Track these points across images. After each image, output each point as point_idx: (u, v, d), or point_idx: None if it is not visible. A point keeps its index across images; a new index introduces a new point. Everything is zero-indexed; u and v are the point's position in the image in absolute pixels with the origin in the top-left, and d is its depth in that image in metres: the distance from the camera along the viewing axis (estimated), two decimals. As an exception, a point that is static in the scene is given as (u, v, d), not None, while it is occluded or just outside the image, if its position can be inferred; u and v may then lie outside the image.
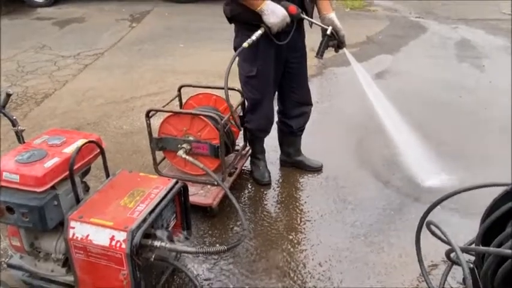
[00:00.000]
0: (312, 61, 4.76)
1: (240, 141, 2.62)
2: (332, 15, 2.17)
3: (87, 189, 1.77)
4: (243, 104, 2.46)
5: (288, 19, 2.04)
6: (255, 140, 2.56)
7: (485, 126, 3.26)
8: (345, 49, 2.23)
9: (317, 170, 2.70)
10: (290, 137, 2.64)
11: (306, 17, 2.14)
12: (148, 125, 2.23)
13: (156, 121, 2.42)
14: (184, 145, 2.19)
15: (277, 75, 2.35)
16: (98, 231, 1.45)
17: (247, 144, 2.63)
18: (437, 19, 6.90)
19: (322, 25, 2.17)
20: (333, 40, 2.15)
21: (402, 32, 6.12)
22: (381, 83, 4.27)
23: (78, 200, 1.58)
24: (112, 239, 1.43)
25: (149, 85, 4.13)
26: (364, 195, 2.46)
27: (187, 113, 2.21)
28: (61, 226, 1.58)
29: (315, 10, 2.26)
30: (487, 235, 1.58)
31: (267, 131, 2.53)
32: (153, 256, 1.54)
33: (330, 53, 4.79)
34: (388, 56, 5.11)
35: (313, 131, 2.89)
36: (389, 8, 7.81)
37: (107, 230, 1.44)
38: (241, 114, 2.47)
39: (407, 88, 4.04)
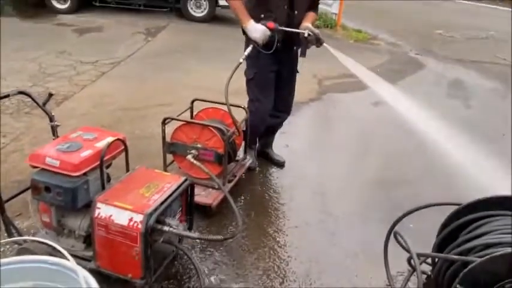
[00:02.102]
0: (313, 86, 5.17)
1: (240, 153, 2.94)
2: (307, 24, 2.62)
3: (108, 179, 2.08)
4: (246, 120, 2.79)
5: (268, 32, 2.54)
6: (251, 134, 2.94)
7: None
8: (325, 44, 2.62)
9: (280, 165, 3.23)
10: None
11: (283, 28, 2.58)
12: (163, 131, 2.55)
13: (166, 129, 2.74)
14: (193, 151, 2.51)
15: (271, 80, 2.85)
16: (119, 212, 1.75)
17: (247, 156, 2.96)
18: (435, 58, 7.31)
19: (300, 31, 2.59)
20: (311, 39, 2.55)
21: (400, 67, 6.52)
22: (373, 110, 4.65)
23: (103, 187, 1.88)
24: (131, 220, 1.73)
25: (161, 96, 4.47)
26: (347, 210, 2.76)
27: (199, 123, 2.54)
28: (86, 208, 1.88)
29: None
30: (442, 246, 1.89)
31: (259, 129, 2.97)
32: (161, 239, 1.84)
33: (331, 80, 5.19)
34: (384, 88, 5.48)
35: (307, 150, 3.21)
36: (391, 43, 8.26)
37: (127, 212, 1.74)
38: (244, 129, 2.80)
39: (394, 118, 4.36)
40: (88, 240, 1.94)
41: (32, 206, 2.03)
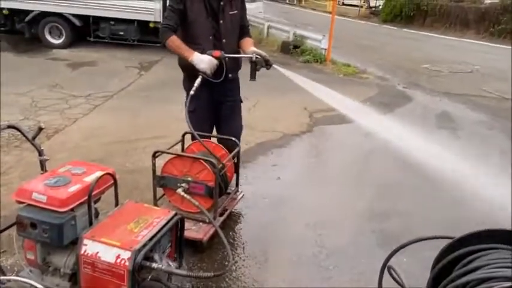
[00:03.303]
0: (304, 118, 5.20)
1: (232, 186, 2.91)
2: (252, 48, 2.71)
3: (96, 214, 2.03)
4: (237, 152, 2.79)
5: (215, 61, 2.56)
6: None
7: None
8: (274, 65, 2.71)
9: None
10: None
11: (229, 55, 2.64)
12: (154, 164, 2.54)
13: (158, 162, 2.73)
14: (183, 184, 2.49)
15: (211, 112, 2.89)
16: (106, 249, 1.70)
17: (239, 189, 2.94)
18: (423, 91, 7.46)
19: (247, 55, 2.68)
20: (260, 62, 2.61)
21: (389, 100, 6.63)
22: (364, 141, 4.68)
23: (91, 222, 1.84)
24: (118, 257, 1.68)
25: (153, 129, 4.48)
26: (340, 243, 2.72)
27: (189, 156, 2.53)
28: (72, 245, 1.83)
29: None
30: (437, 280, 1.86)
31: None
32: (150, 276, 1.78)
33: (321, 113, 5.19)
34: (373, 120, 5.55)
35: (299, 182, 3.20)
36: (380, 76, 8.43)
37: (114, 248, 1.70)
38: (236, 161, 2.80)
39: (385, 149, 4.37)
40: (74, 278, 1.87)
41: (17, 242, 1.97)
